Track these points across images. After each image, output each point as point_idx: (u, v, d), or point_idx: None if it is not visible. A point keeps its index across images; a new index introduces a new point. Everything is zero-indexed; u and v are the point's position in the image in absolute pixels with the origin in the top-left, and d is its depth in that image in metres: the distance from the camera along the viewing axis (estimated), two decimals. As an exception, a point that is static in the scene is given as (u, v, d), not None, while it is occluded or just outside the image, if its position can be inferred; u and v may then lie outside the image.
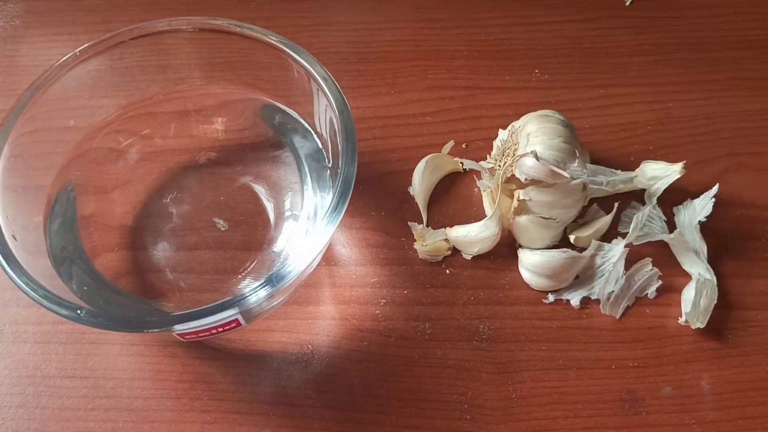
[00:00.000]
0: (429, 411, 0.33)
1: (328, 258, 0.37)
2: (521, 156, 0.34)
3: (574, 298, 0.36)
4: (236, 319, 0.29)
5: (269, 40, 0.35)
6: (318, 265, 0.37)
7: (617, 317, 0.35)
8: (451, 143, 0.40)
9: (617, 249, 0.36)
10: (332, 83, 0.33)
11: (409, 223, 0.38)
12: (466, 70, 0.44)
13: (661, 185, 0.37)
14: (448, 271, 0.37)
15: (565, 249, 0.35)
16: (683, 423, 0.33)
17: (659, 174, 0.37)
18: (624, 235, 0.36)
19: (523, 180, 0.34)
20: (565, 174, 0.33)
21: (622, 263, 0.36)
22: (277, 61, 0.35)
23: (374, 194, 0.39)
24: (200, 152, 0.38)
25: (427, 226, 0.38)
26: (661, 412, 0.33)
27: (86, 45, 0.35)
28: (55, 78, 0.34)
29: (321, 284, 0.37)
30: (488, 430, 0.33)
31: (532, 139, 0.34)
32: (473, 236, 0.36)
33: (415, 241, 0.37)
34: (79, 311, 0.28)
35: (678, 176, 0.37)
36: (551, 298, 0.36)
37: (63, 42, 0.46)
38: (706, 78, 0.43)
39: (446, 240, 0.37)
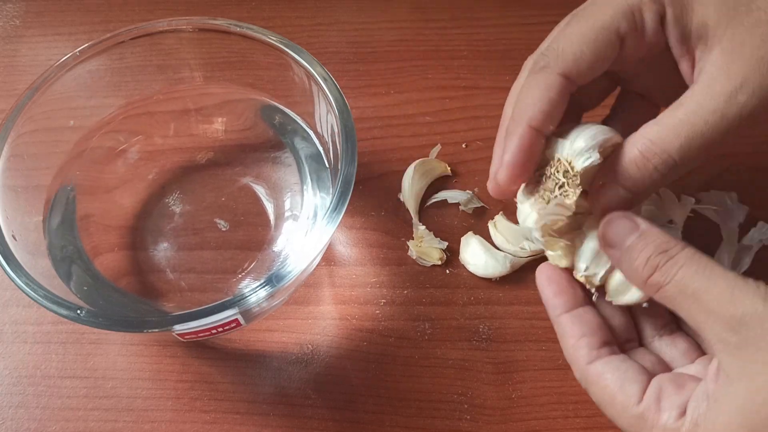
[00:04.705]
0: (429, 411, 0.33)
1: (328, 258, 0.37)
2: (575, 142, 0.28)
3: None
4: (236, 319, 0.29)
5: (269, 40, 0.35)
6: (318, 265, 0.37)
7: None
8: (438, 147, 0.40)
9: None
10: (332, 83, 0.33)
11: (414, 220, 0.38)
12: (466, 70, 0.44)
13: None
14: (447, 271, 0.37)
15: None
16: (683, 423, 0.33)
17: None
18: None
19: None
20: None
21: None
22: (277, 61, 0.35)
23: (374, 194, 0.39)
24: (200, 152, 0.38)
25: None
26: (661, 412, 0.33)
27: (86, 45, 0.35)
28: (55, 78, 0.34)
29: (321, 284, 0.37)
30: (488, 430, 0.33)
31: (571, 138, 0.28)
32: (488, 272, 0.36)
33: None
34: (79, 311, 0.28)
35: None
36: None
37: (63, 42, 0.45)
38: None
39: (443, 250, 0.37)
